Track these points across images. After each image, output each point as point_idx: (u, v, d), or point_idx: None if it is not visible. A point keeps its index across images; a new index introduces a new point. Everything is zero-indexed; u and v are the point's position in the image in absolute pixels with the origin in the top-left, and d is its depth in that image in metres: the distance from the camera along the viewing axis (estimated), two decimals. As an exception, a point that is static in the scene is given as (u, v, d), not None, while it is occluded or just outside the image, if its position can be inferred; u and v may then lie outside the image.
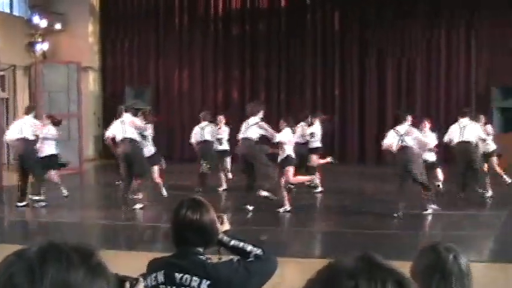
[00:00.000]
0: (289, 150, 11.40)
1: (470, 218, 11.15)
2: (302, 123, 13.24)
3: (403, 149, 10.84)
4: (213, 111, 18.35)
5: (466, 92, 20.35)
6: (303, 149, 12.82)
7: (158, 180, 12.19)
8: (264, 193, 11.33)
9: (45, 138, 11.79)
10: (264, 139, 12.01)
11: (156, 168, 12.09)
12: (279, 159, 11.52)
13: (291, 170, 11.43)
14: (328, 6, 21.13)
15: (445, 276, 2.18)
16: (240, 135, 11.69)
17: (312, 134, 13.37)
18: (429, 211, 10.87)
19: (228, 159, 14.09)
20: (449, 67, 20.46)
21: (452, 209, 11.43)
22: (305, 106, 19.66)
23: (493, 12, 19.85)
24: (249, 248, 2.99)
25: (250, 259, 2.95)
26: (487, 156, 12.94)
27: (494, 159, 13.22)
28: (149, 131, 12.11)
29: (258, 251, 2.98)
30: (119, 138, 11.49)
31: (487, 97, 19.48)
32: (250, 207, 11.30)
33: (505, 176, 13.46)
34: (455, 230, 9.81)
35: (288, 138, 11.45)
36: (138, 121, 11.57)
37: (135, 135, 11.33)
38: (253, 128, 11.47)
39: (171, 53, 21.85)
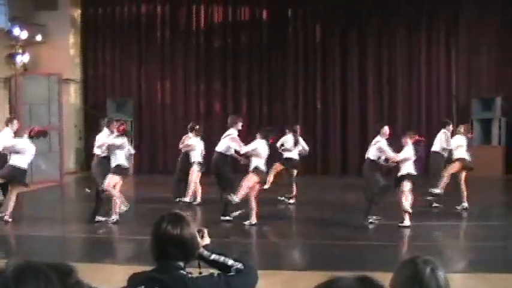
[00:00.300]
0: (256, 162, 11.37)
1: (449, 228, 11.23)
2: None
3: (366, 160, 11.07)
4: (195, 122, 18.37)
5: (447, 103, 20.65)
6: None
7: (111, 189, 11.43)
8: (235, 213, 11.40)
9: (6, 149, 11.55)
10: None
11: (114, 178, 11.40)
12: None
13: (253, 178, 11.34)
14: (309, 18, 21.30)
15: (423, 289, 2.20)
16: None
17: (282, 145, 13.53)
18: (370, 221, 10.99)
19: (194, 170, 13.61)
20: (429, 78, 20.72)
21: (430, 220, 11.54)
22: (287, 118, 19.78)
23: (472, 25, 20.22)
24: (230, 262, 2.99)
25: (231, 273, 2.95)
26: (448, 162, 13.04)
27: (452, 166, 13.02)
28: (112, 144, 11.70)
29: (239, 265, 2.98)
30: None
31: (468, 108, 19.77)
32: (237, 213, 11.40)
33: (442, 185, 12.89)
34: (433, 241, 9.89)
35: (254, 149, 11.46)
36: (104, 138, 11.53)
37: (98, 151, 11.47)
38: (225, 141, 11.65)
39: (153, 64, 21.84)
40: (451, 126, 13.49)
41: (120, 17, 22.10)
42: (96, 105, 21.47)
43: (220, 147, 11.77)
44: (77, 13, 21.65)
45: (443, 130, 13.20)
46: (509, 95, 19.76)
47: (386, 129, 11.14)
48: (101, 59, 22.09)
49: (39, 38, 19.90)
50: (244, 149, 11.54)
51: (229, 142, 11.71)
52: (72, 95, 21.24)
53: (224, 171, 11.73)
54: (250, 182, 11.27)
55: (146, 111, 21.87)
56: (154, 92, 21.98)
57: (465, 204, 12.48)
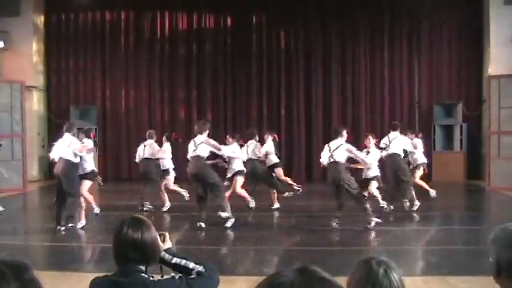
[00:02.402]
0: (237, 164, 12.33)
1: (411, 232, 11.38)
2: (252, 141, 13.47)
3: (332, 164, 11.04)
4: (160, 130, 18.37)
5: (410, 109, 20.95)
6: (257, 165, 13.28)
7: (86, 194, 11.90)
8: (224, 214, 11.38)
9: None
10: (214, 155, 12.32)
11: (87, 183, 11.85)
12: (228, 173, 12.58)
13: (239, 180, 12.45)
14: (273, 25, 21.41)
15: (375, 289, 2.25)
16: (189, 155, 11.63)
17: (267, 153, 13.64)
18: (372, 224, 11.04)
19: (170, 178, 13.88)
20: (392, 84, 21.02)
21: (393, 225, 11.69)
22: (251, 124, 19.86)
23: (434, 32, 20.54)
24: (191, 265, 3.03)
25: (192, 276, 2.99)
26: (413, 168, 13.36)
27: (418, 173, 13.52)
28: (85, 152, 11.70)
29: (200, 268, 3.02)
30: (57, 157, 11.34)
31: (430, 114, 20.09)
32: (203, 225, 11.32)
33: (429, 189, 13.77)
34: (396, 245, 10.00)
35: (233, 152, 12.15)
36: (77, 143, 11.34)
37: (69, 156, 11.15)
38: (201, 146, 11.42)
39: (117, 71, 21.72)
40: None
41: (84, 24, 21.95)
42: (59, 113, 21.26)
43: (199, 152, 11.36)
44: (40, 20, 21.43)
45: (397, 132, 12.99)
46: (470, 102, 20.16)
47: (344, 132, 11.27)
48: (65, 66, 21.92)
49: (1, 44, 19.68)
50: (226, 153, 12.07)
51: (206, 147, 11.46)
52: (36, 103, 21.01)
53: (210, 174, 11.55)
54: (240, 182, 12.62)
55: (110, 119, 21.74)
56: (119, 100, 21.86)
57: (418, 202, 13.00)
